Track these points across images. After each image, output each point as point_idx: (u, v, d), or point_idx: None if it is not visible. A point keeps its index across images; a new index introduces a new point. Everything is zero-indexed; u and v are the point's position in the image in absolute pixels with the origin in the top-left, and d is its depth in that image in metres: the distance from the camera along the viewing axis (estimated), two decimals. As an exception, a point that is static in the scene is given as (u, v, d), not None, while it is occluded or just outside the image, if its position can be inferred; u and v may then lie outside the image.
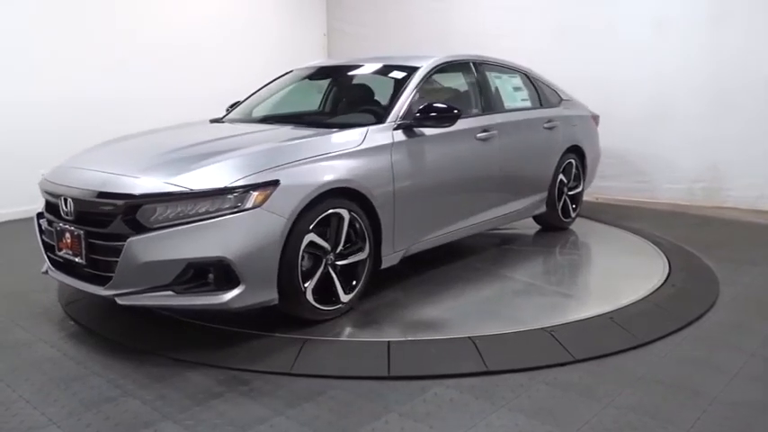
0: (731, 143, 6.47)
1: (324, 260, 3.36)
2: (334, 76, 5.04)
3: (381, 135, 3.74)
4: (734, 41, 6.33)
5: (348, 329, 3.38)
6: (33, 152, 5.84)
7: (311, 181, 3.22)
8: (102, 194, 3.09)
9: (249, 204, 2.99)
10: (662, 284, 4.04)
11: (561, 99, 5.62)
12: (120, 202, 3.00)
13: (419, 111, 3.87)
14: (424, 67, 4.28)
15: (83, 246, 3.15)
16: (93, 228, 3.12)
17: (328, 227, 3.37)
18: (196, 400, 2.62)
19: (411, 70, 4.26)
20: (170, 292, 2.97)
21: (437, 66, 4.40)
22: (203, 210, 2.94)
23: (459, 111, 3.92)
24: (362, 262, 3.58)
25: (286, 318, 3.48)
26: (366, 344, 3.18)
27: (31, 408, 2.58)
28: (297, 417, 2.50)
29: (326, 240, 3.36)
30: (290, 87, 4.90)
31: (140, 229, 2.95)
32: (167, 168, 3.14)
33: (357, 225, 3.50)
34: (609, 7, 7.02)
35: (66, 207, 3.24)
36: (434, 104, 3.91)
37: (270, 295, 3.11)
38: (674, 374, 2.87)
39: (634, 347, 3.13)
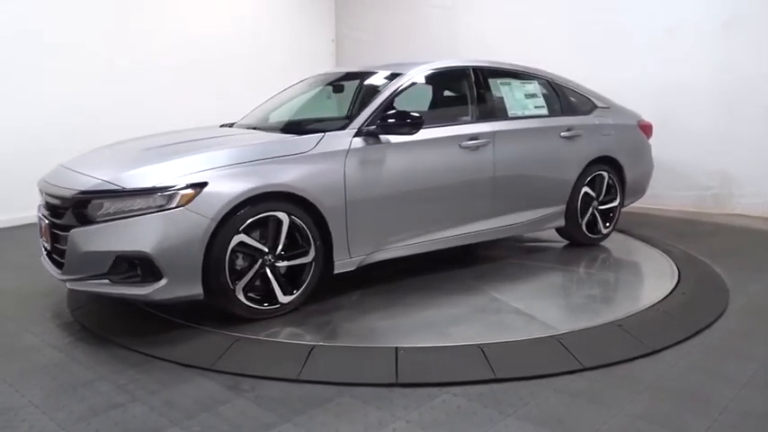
0: (741, 150, 6.45)
1: (260, 261, 3.45)
2: (339, 83, 5.05)
3: (338, 141, 3.75)
4: (744, 48, 6.32)
5: (265, 329, 3.40)
6: (42, 156, 5.86)
7: (240, 184, 3.33)
8: (57, 188, 3.47)
9: (174, 204, 3.18)
10: (671, 292, 4.01)
11: (595, 106, 5.27)
12: (68, 196, 3.33)
13: (381, 118, 3.86)
14: (405, 74, 4.23)
15: (49, 235, 3.53)
16: (55, 219, 3.48)
17: (267, 229, 3.47)
18: (204, 407, 2.62)
19: (392, 77, 4.24)
20: (106, 281, 3.24)
21: (423, 73, 4.35)
22: (137, 207, 3.18)
23: (420, 117, 3.84)
24: (308, 265, 3.62)
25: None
26: (374, 350, 3.17)
27: (40, 413, 2.59)
28: (304, 424, 2.50)
29: (264, 242, 3.45)
30: (301, 95, 4.94)
31: (86, 221, 3.24)
32: (118, 168, 3.43)
33: (301, 228, 3.56)
34: (619, 13, 7.01)
35: (43, 200, 3.66)
36: (396, 111, 3.90)
37: (194, 290, 3.26)
38: (684, 383, 2.85)
39: (643, 355, 3.11)
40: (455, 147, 4.22)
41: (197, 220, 3.20)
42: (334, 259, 3.74)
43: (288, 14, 8.83)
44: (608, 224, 5.26)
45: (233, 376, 2.90)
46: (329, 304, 3.81)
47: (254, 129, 4.39)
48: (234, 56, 8.02)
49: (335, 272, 3.77)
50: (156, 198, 3.18)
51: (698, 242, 5.38)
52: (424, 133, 4.01)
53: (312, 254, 3.61)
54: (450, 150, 4.20)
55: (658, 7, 6.80)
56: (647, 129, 5.62)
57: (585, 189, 5.04)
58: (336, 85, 5.00)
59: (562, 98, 5.12)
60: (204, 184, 3.24)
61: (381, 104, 3.98)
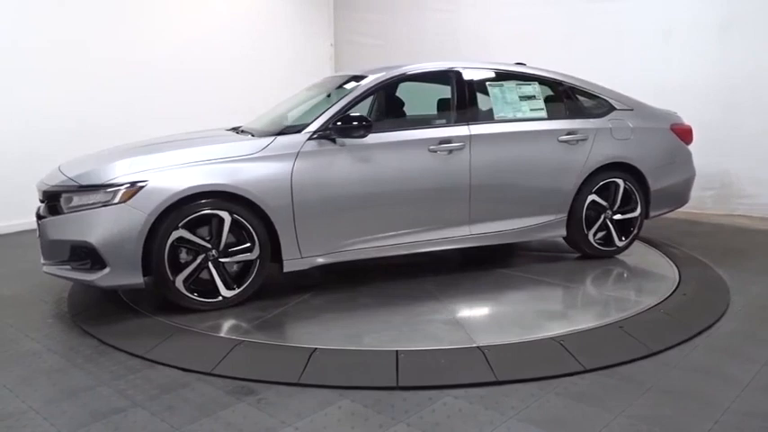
0: (741, 151, 6.43)
1: (202, 255, 3.65)
2: (335, 89, 5.02)
3: (289, 143, 3.85)
4: (743, 48, 6.32)
5: (203, 321, 3.56)
6: (42, 161, 5.86)
7: (179, 182, 3.56)
8: (43, 185, 3.85)
9: (117, 200, 3.49)
10: (672, 293, 4.01)
11: (612, 108, 4.87)
12: (42, 190, 3.79)
13: (335, 121, 3.90)
14: (373, 78, 4.22)
15: (37, 225, 3.83)
16: (40, 212, 3.84)
17: (210, 226, 3.68)
18: (204, 411, 2.62)
19: (360, 81, 4.23)
20: (68, 267, 3.62)
21: (395, 77, 4.32)
22: (90, 202, 3.53)
23: (369, 121, 3.91)
24: (253, 263, 3.77)
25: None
26: (374, 353, 3.17)
27: (41, 418, 2.59)
28: (305, 428, 2.49)
29: (209, 238, 3.66)
30: (308, 100, 4.91)
31: (55, 213, 3.65)
32: (89, 167, 3.74)
33: (245, 227, 3.71)
34: (618, 15, 7.03)
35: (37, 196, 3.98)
36: (347, 115, 3.93)
37: (135, 279, 3.54)
38: (685, 384, 2.85)
39: (644, 357, 3.11)
40: (422, 151, 4.12)
41: (136, 215, 3.47)
42: (283, 258, 3.83)
43: (286, 17, 8.83)
44: (623, 237, 4.83)
45: (233, 380, 2.89)
46: (274, 302, 3.87)
47: (244, 132, 4.38)
48: (233, 58, 8.03)
49: (285, 270, 3.87)
50: (102, 194, 3.50)
51: (699, 243, 5.38)
52: (386, 137, 4.05)
53: (256, 251, 3.74)
54: (416, 154, 4.11)
55: (657, 8, 6.80)
56: (683, 133, 5.12)
57: (593, 197, 4.67)
58: (330, 89, 4.99)
59: (568, 100, 4.79)
60: (145, 182, 3.51)
61: (342, 108, 4.00)
